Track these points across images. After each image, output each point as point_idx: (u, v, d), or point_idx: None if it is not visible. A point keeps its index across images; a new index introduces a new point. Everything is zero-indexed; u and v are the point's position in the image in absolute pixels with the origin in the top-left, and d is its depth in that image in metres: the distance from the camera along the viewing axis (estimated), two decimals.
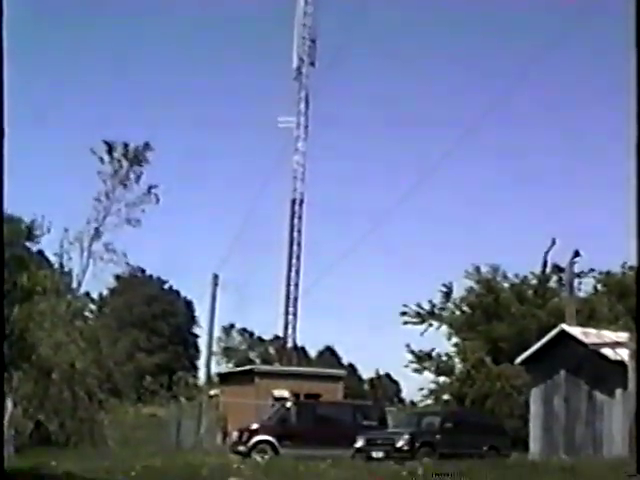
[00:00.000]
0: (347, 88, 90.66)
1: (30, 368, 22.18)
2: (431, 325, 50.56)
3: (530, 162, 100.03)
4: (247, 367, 52.57)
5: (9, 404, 25.86)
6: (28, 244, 17.48)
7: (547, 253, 48.53)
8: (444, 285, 51.00)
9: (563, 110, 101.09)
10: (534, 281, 49.92)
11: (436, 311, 50.97)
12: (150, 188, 38.06)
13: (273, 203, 78.83)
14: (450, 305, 51.17)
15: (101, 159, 37.63)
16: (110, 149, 37.52)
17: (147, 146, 38.04)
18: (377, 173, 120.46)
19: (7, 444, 26.59)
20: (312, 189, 60.61)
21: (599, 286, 50.81)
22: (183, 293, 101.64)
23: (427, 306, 50.85)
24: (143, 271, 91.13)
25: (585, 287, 49.81)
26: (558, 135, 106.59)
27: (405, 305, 51.04)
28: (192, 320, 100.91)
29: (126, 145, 37.68)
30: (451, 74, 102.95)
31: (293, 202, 58.52)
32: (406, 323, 50.69)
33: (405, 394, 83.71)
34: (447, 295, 51.11)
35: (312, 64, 60.05)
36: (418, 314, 50.72)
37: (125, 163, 37.69)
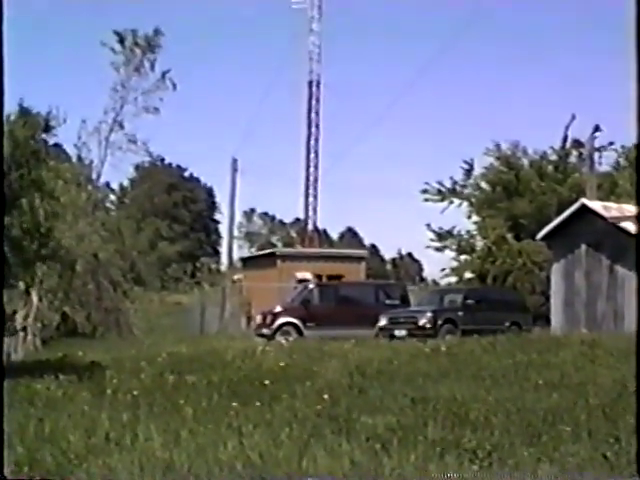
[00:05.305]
0: None
1: (54, 261, 22.31)
2: (452, 202, 50.32)
3: (548, 37, 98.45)
4: (269, 250, 52.79)
5: (34, 297, 26.22)
6: (45, 136, 17.36)
7: (567, 128, 47.99)
8: (465, 162, 50.62)
9: None
10: (554, 156, 49.50)
11: (457, 188, 50.70)
12: (164, 74, 37.99)
13: (290, 86, 78.22)
14: (471, 182, 50.91)
15: (112, 49, 37.49)
16: (121, 39, 37.32)
17: (158, 32, 37.77)
18: (394, 48, 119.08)
19: (34, 337, 27.11)
20: (328, 70, 59.94)
21: (620, 160, 50.38)
22: (203, 180, 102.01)
23: (448, 183, 50.66)
24: (162, 160, 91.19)
25: (606, 161, 49.43)
26: (574, 8, 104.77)
27: (426, 183, 50.81)
28: (213, 206, 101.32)
29: (135, 32, 37.43)
30: None
31: (310, 84, 57.95)
32: (427, 200, 50.51)
33: (427, 273, 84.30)
34: (468, 172, 50.78)
35: None
36: (439, 191, 50.44)
37: (137, 51, 37.52)
